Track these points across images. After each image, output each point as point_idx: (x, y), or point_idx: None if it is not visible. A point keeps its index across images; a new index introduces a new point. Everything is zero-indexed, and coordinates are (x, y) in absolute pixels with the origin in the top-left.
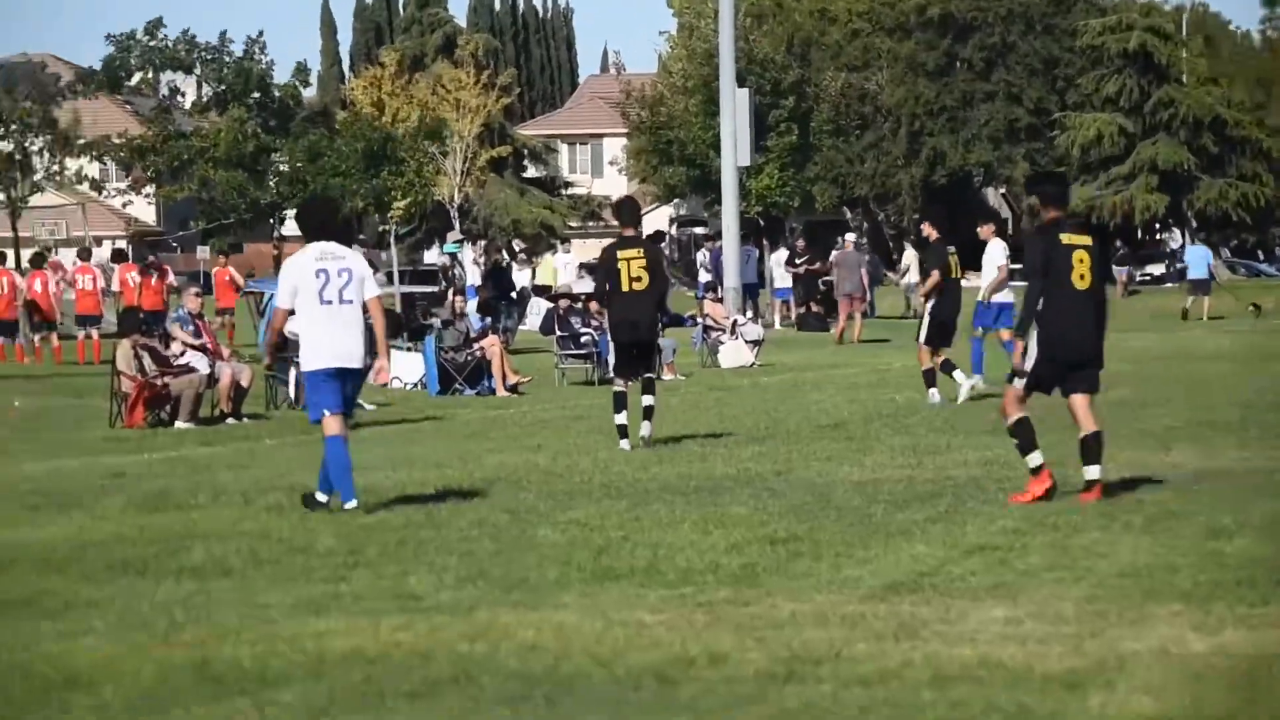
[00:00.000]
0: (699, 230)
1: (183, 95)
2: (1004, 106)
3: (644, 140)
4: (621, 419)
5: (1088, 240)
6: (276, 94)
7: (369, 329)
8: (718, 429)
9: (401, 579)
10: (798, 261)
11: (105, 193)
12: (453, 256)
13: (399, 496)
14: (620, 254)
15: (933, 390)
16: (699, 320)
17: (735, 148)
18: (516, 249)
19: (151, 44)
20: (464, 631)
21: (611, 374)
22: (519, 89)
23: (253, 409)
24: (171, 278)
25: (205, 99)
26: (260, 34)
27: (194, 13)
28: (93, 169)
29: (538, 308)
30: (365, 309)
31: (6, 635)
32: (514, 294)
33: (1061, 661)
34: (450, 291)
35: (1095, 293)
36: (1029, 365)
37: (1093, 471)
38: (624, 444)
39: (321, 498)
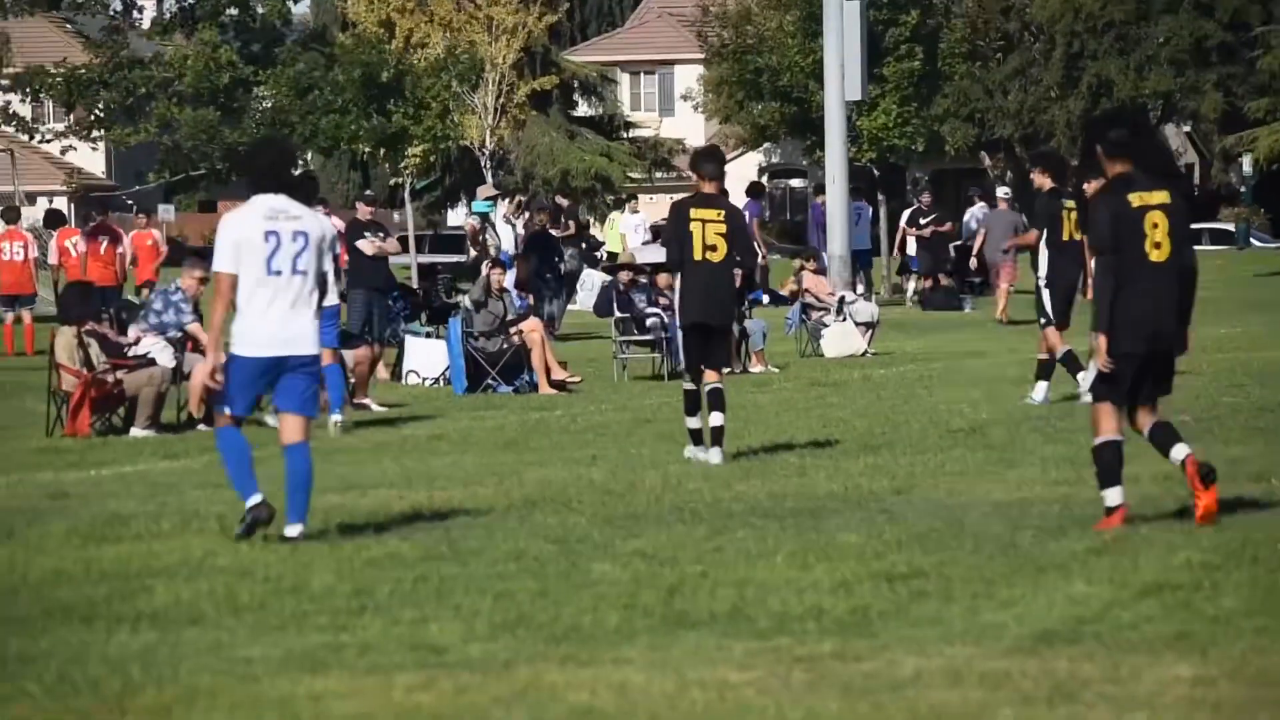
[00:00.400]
0: (796, 183)
1: (139, 12)
2: (1189, 20)
3: (726, 69)
4: (695, 423)
5: (1165, 197)
6: (259, 11)
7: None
8: (820, 435)
9: (420, 627)
10: (922, 222)
11: (39, 136)
12: (483, 218)
13: (415, 521)
14: (694, 213)
15: (1042, 385)
16: (795, 297)
17: (843, 78)
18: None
19: None
20: (499, 693)
21: (683, 366)
22: (567, 4)
23: None
24: (126, 244)
25: (168, 17)
26: None
27: None
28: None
29: (591, 282)
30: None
31: None
32: (560, 266)
33: None
34: (486, 265)
35: (1175, 265)
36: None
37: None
38: (696, 452)
39: (255, 499)
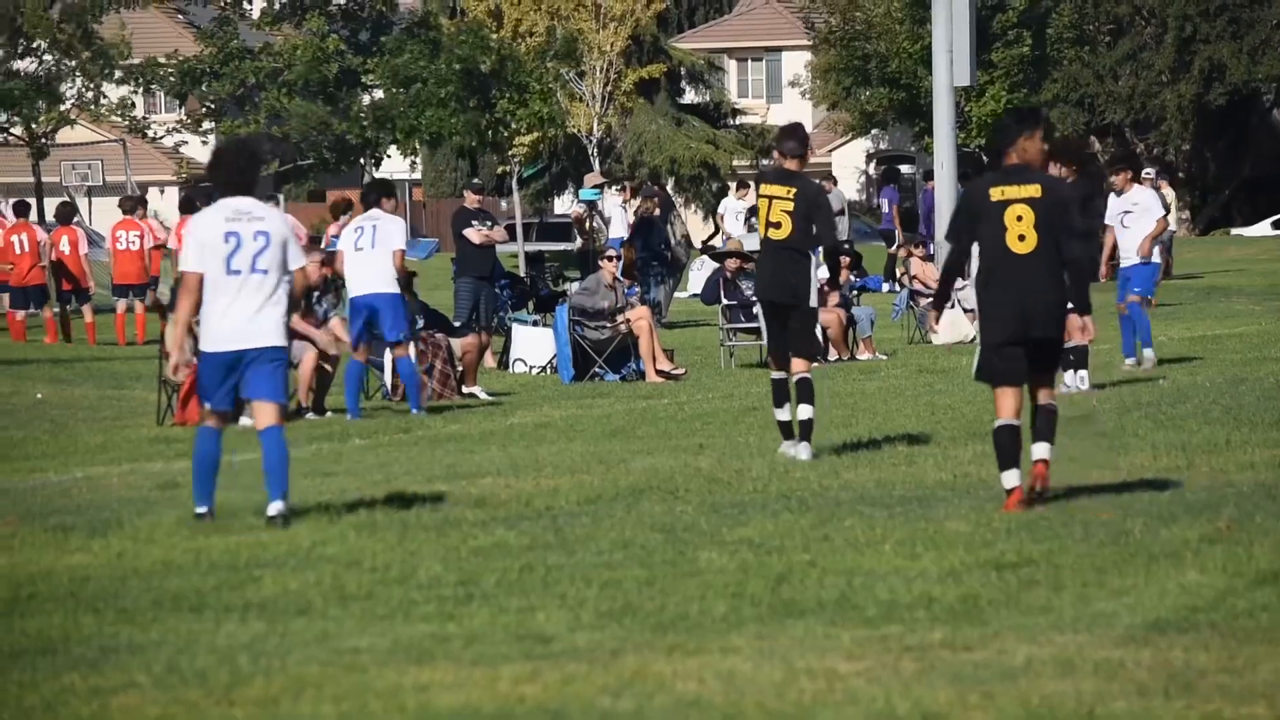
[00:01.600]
0: (905, 169)
1: (249, 2)
2: None
3: (833, 55)
4: (783, 415)
5: (1035, 190)
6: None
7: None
8: (929, 423)
9: (527, 616)
10: None
11: (152, 129)
12: (590, 205)
13: (521, 510)
14: (764, 189)
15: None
16: (902, 284)
17: (951, 63)
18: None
19: None
20: (606, 683)
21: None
22: None
23: (338, 400)
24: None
25: (277, 7)
26: None
27: None
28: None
29: (699, 268)
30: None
31: (25, 690)
32: (666, 253)
33: None
34: (604, 256)
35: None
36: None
37: (1042, 450)
38: (785, 448)
39: (200, 509)
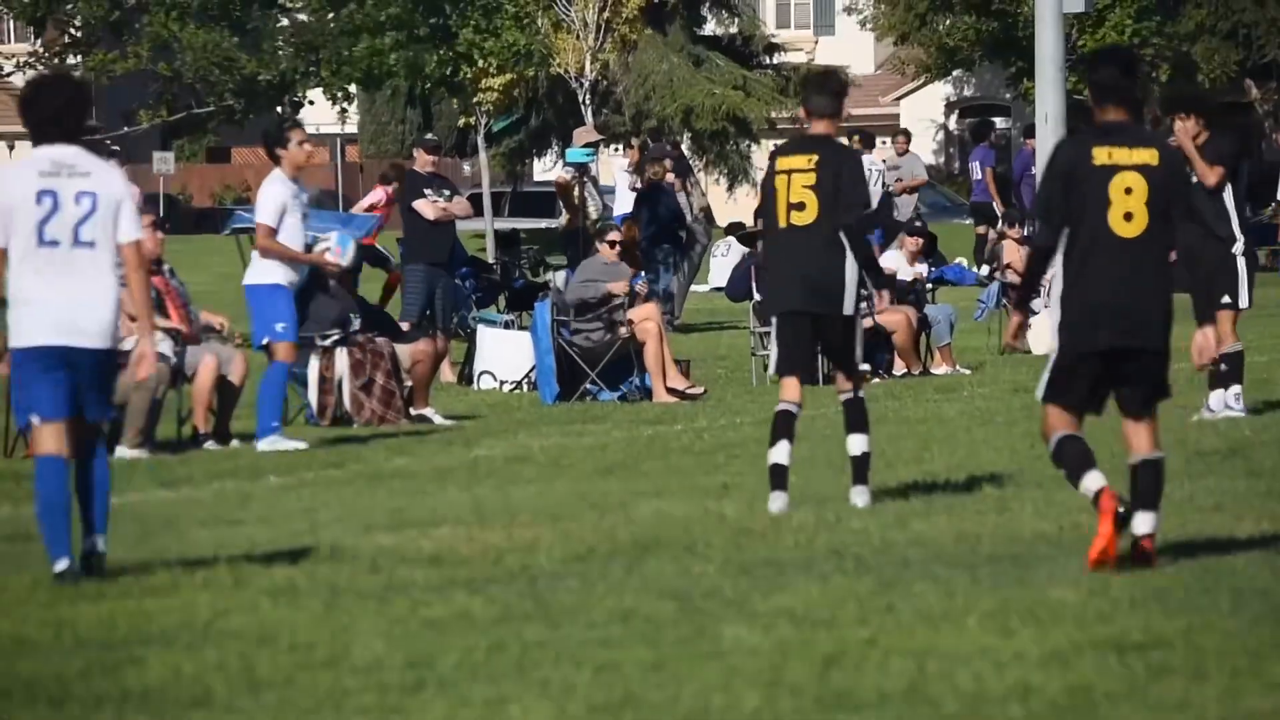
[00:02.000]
0: (999, 122)
1: None
2: None
3: None
4: (779, 455)
5: (1149, 157)
6: None
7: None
8: (1026, 459)
9: (497, 709)
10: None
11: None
12: (581, 170)
13: (490, 569)
14: (780, 163)
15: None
16: (994, 275)
17: None
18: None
19: None
20: None
21: (773, 371)
22: None
23: (247, 425)
24: None
25: None
26: None
27: None
28: None
29: (724, 253)
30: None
31: None
32: (682, 232)
33: None
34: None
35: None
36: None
37: (1144, 523)
38: (774, 501)
39: (60, 565)
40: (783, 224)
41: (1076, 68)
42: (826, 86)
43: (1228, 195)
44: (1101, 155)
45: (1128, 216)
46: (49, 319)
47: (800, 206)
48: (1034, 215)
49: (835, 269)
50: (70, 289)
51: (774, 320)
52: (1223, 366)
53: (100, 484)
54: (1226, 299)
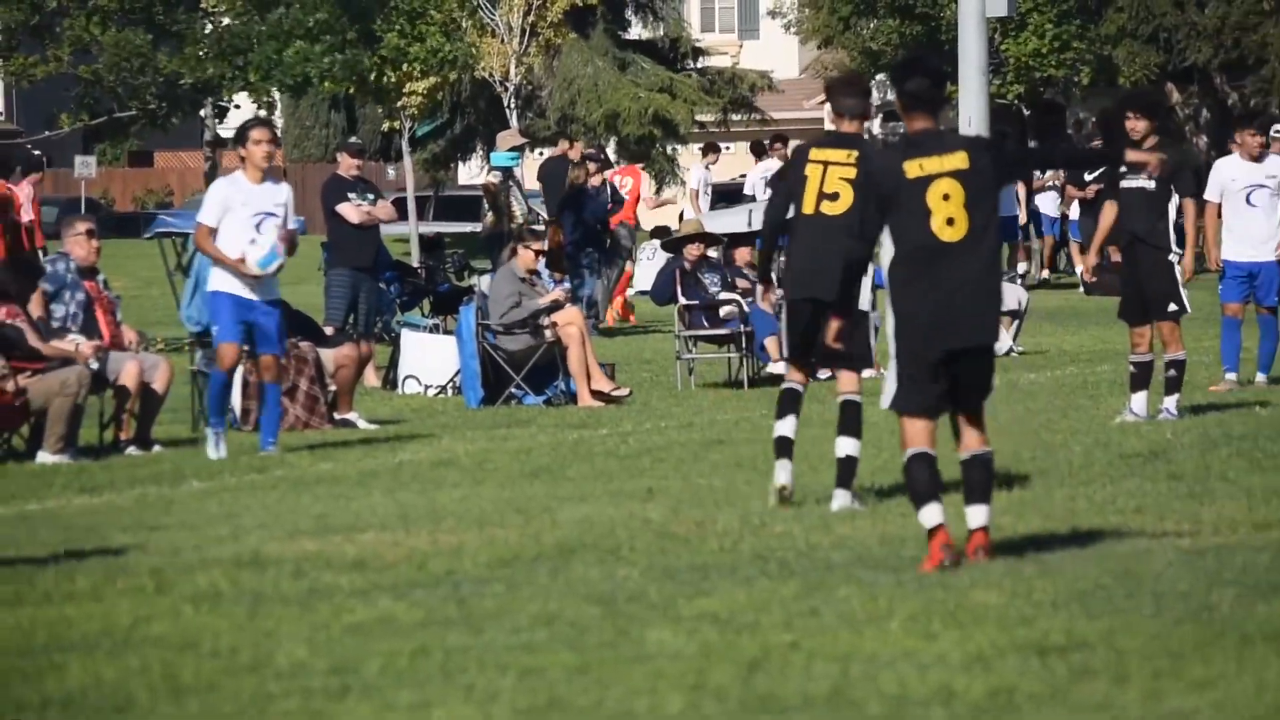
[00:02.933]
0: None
1: None
2: None
3: None
4: (785, 428)
5: (960, 162)
6: None
7: None
8: (946, 463)
9: (421, 714)
10: (1087, 177)
11: None
12: (506, 174)
13: (414, 575)
14: (815, 154)
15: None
16: None
17: None
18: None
19: None
20: None
21: (784, 354)
22: None
23: (170, 430)
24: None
25: None
26: None
27: None
28: None
29: (649, 257)
30: None
31: None
32: (605, 237)
33: None
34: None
35: (982, 242)
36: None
37: (977, 516)
38: (779, 475)
39: None
40: (810, 210)
41: (999, 71)
42: (855, 89)
43: (1171, 206)
44: (913, 168)
45: (950, 222)
46: None
47: (834, 196)
48: None
49: (850, 260)
50: None
51: (786, 304)
52: (1174, 374)
53: None
54: (1173, 306)
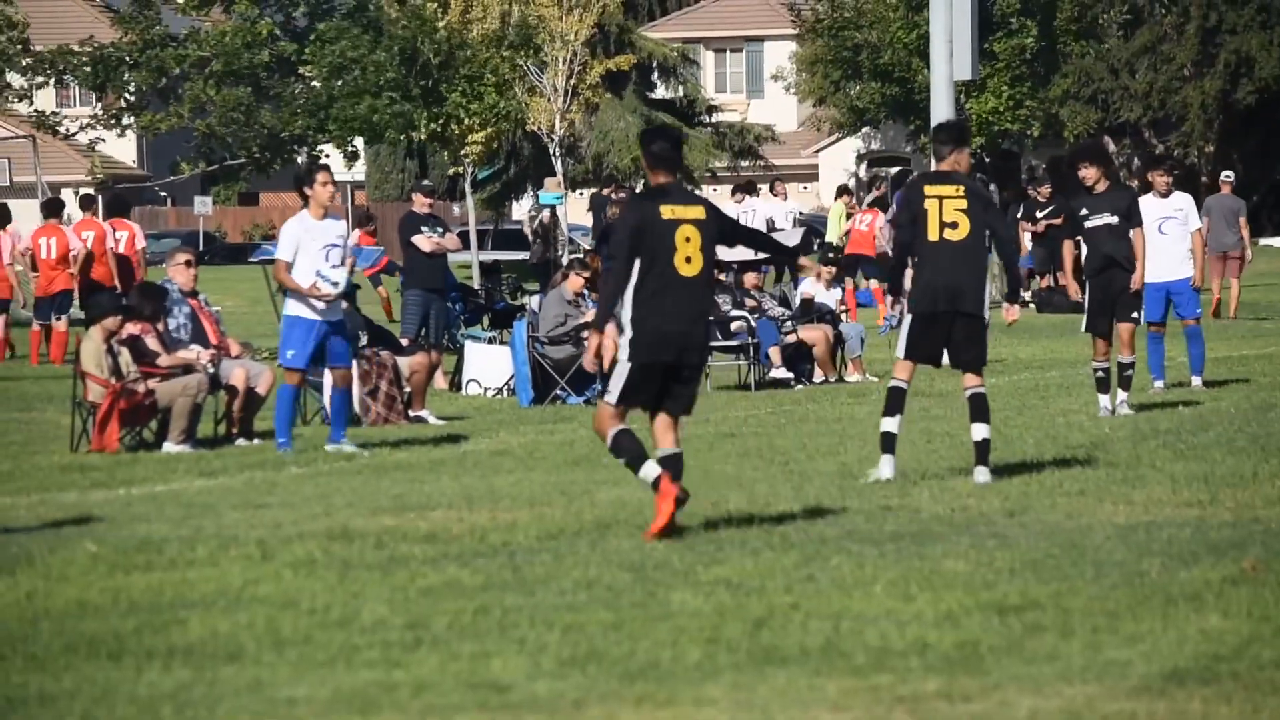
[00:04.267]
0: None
1: None
2: None
3: (821, 45)
4: (890, 425)
5: (699, 213)
6: None
7: None
8: (924, 452)
9: (481, 662)
10: (1038, 215)
11: (64, 125)
12: (551, 210)
13: (476, 546)
14: (929, 189)
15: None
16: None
17: (951, 55)
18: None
19: None
20: None
21: (901, 355)
22: None
23: (270, 424)
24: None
25: None
26: None
27: None
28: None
29: None
30: None
31: None
32: None
33: None
34: (561, 264)
35: (706, 279)
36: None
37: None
38: (883, 465)
39: None
40: (934, 238)
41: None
42: (956, 131)
43: (1134, 235)
44: (667, 211)
45: (688, 260)
46: None
47: (954, 225)
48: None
49: (981, 276)
50: None
51: (910, 314)
52: (1129, 374)
53: None
54: (1135, 315)
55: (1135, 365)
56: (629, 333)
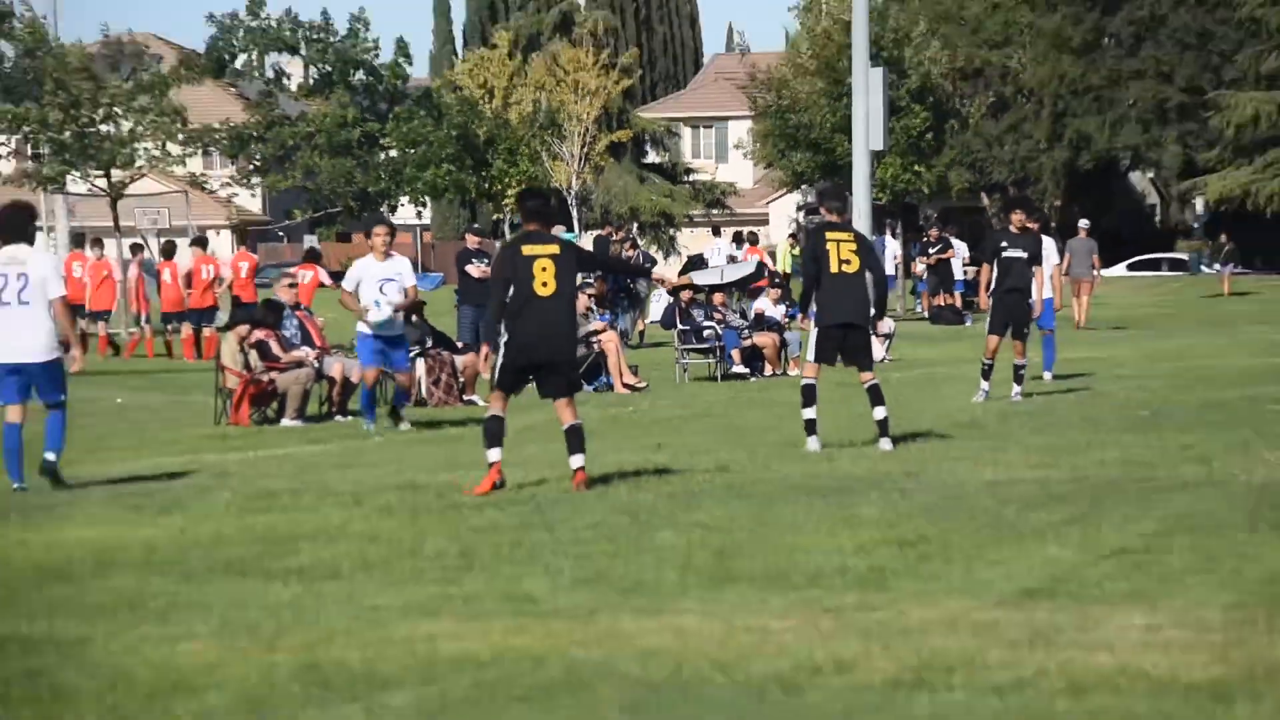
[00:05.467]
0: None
1: (288, 78)
2: (1154, 85)
3: (769, 124)
4: (810, 413)
5: (554, 250)
6: (382, 74)
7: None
8: (846, 427)
9: (515, 581)
10: (930, 251)
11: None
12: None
13: (511, 496)
14: (829, 235)
15: (984, 383)
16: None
17: (868, 130)
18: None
19: (254, 24)
20: (580, 636)
21: (810, 359)
22: (640, 70)
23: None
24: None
25: (310, 82)
26: (362, 10)
27: None
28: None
29: (657, 299)
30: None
31: (108, 638)
32: (633, 286)
33: (1206, 671)
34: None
35: (564, 297)
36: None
37: (578, 460)
38: (810, 443)
39: (16, 485)
40: (834, 271)
41: (872, 184)
42: (840, 195)
43: (1036, 271)
44: (528, 250)
45: (544, 284)
46: (6, 347)
47: (848, 262)
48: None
49: (866, 299)
50: (15, 330)
51: (816, 329)
52: (1021, 372)
53: (57, 429)
54: (1026, 330)
55: (1027, 367)
56: (504, 337)
